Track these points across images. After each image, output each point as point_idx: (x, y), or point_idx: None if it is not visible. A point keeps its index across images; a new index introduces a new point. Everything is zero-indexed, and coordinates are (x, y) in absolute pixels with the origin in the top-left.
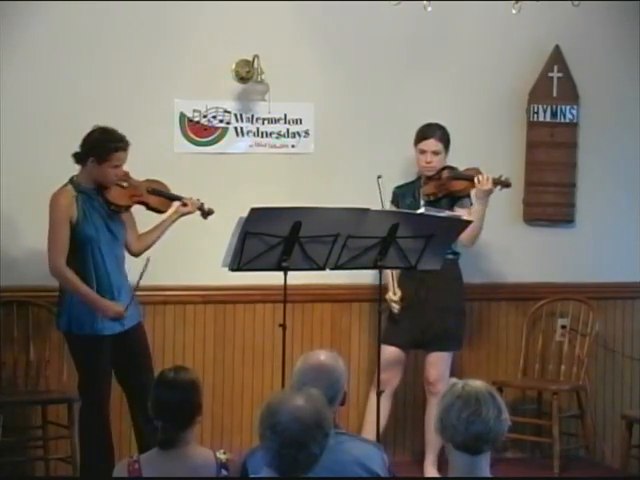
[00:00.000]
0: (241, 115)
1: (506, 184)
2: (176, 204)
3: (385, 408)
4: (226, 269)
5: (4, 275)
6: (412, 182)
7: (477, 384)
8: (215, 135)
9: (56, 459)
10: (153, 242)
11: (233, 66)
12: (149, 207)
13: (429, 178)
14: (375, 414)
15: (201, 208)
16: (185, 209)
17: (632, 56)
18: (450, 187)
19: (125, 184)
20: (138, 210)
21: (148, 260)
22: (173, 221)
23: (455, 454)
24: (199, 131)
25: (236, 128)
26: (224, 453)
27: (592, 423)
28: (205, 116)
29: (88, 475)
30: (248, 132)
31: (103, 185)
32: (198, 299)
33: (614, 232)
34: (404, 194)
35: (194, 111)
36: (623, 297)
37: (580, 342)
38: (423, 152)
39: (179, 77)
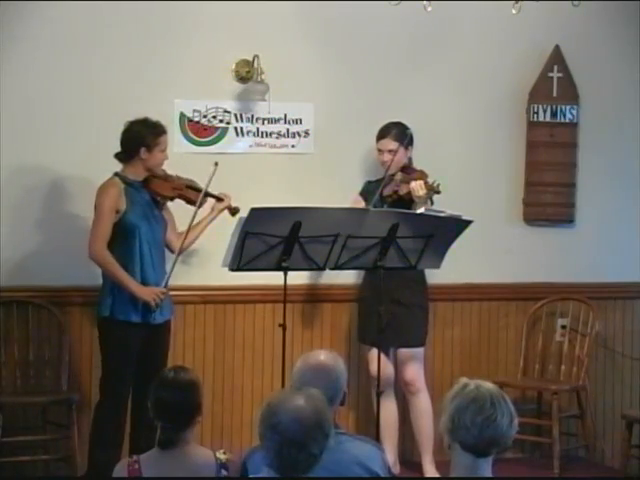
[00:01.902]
0: (241, 115)
1: (436, 191)
2: (211, 201)
3: (392, 408)
4: (226, 269)
5: (4, 275)
6: (381, 179)
7: (489, 386)
8: (215, 135)
9: (56, 459)
10: (194, 239)
11: (233, 66)
12: (189, 200)
13: (390, 179)
14: (385, 416)
15: (229, 205)
16: (222, 205)
17: (632, 56)
18: (399, 190)
19: (167, 178)
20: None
21: (216, 164)
22: (213, 219)
23: (460, 454)
24: (199, 131)
25: (236, 128)
26: (224, 453)
27: (592, 423)
28: (205, 116)
29: (95, 474)
30: (248, 132)
31: (154, 173)
32: (198, 299)
33: (614, 232)
34: (373, 191)
35: (194, 111)
36: (623, 297)
37: (580, 342)
38: (380, 151)
39: (179, 77)
